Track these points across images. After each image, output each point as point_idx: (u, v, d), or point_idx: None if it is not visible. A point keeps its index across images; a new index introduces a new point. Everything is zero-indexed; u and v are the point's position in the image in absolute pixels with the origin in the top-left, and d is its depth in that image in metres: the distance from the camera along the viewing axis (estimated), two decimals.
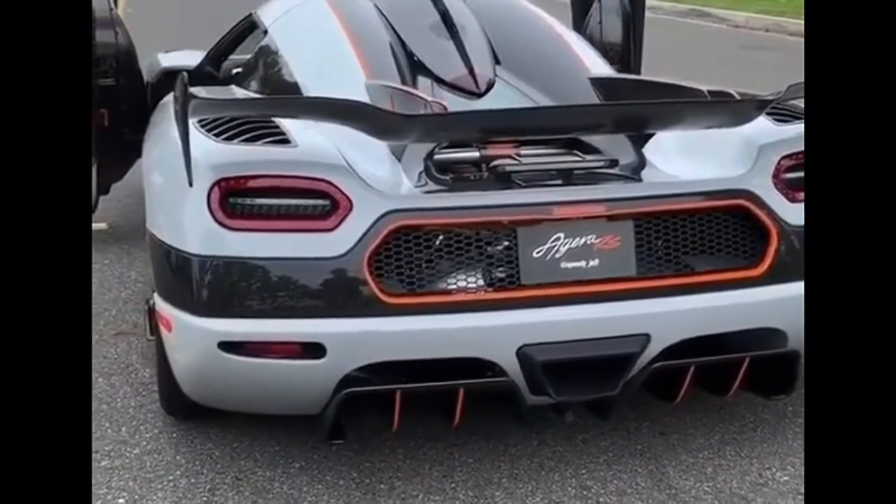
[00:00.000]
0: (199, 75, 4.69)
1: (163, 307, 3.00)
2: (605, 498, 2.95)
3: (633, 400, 3.12)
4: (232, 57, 4.80)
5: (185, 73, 2.66)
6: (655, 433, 3.30)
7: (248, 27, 4.64)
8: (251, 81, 4.17)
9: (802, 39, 12.15)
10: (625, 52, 4.85)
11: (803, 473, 3.06)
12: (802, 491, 2.98)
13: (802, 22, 12.90)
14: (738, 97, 3.21)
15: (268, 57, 4.09)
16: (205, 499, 2.95)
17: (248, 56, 4.36)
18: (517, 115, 3.11)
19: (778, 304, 3.08)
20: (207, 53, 4.94)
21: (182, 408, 3.27)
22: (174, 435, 3.28)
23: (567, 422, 3.09)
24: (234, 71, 4.58)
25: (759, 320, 3.09)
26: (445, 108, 3.28)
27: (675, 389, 3.08)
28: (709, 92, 3.36)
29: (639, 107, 3.09)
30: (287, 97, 3.51)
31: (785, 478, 3.06)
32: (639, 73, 4.88)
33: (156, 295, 3.08)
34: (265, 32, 4.21)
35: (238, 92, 4.19)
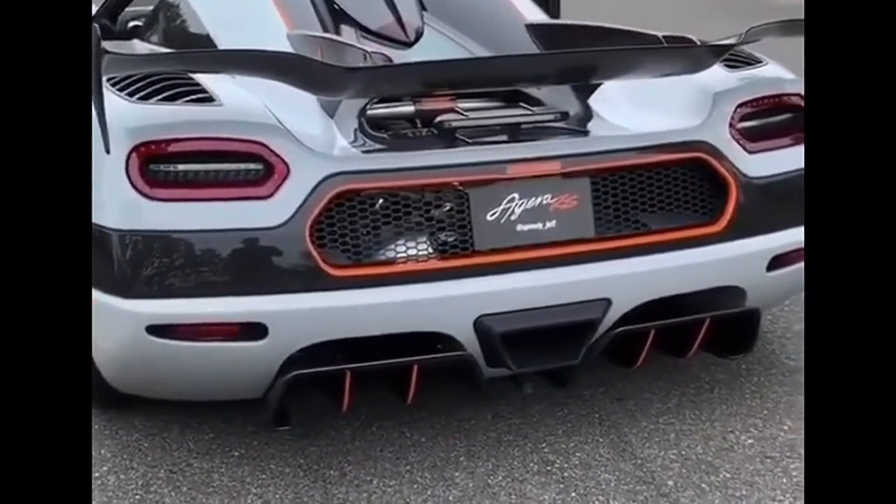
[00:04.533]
0: None
1: None
2: (569, 472, 2.78)
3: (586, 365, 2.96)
4: (129, 9, 4.44)
5: (97, 25, 2.35)
6: (612, 399, 3.15)
7: None
8: (154, 35, 3.85)
9: None
10: None
11: (767, 436, 2.96)
12: (769, 454, 2.87)
13: None
14: (697, 42, 3.03)
15: (172, 8, 3.77)
16: (138, 497, 2.68)
17: (150, 7, 4.03)
18: (473, 65, 2.87)
19: (737, 261, 2.96)
20: (102, 5, 4.56)
21: (104, 397, 2.97)
22: (97, 427, 2.98)
23: (525, 393, 2.92)
24: (132, 24, 4.25)
25: (720, 279, 2.96)
26: (389, 60, 3.03)
27: (634, 354, 2.94)
28: (664, 38, 3.17)
29: (597, 54, 2.89)
30: (215, 50, 3.20)
31: (749, 440, 2.94)
32: (558, 17, 4.70)
33: None
34: None
35: (141, 46, 3.87)
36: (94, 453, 2.85)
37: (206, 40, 3.41)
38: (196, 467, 2.81)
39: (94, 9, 4.36)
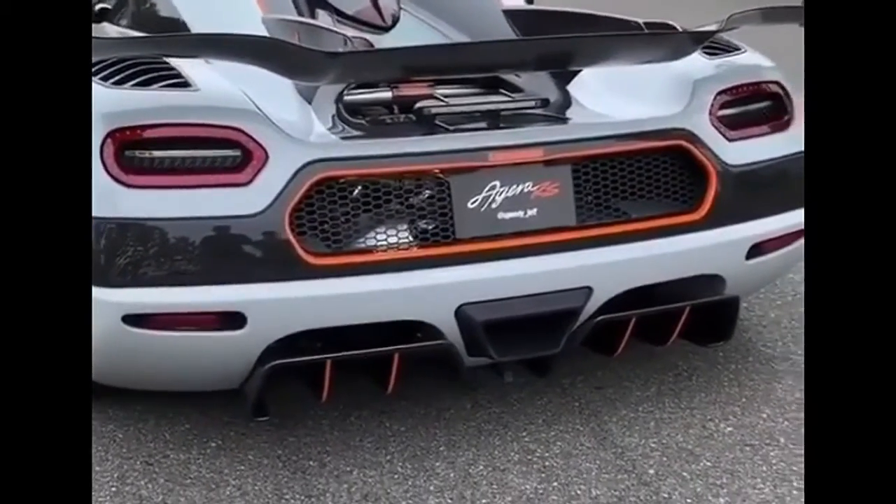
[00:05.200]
0: None
1: None
2: (550, 461, 2.77)
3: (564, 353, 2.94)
4: None
5: None
6: (591, 388, 3.13)
7: None
8: (124, 18, 3.78)
9: None
10: None
11: (746, 424, 2.96)
12: (748, 442, 2.86)
13: None
14: (678, 29, 3.01)
15: None
16: (114, 489, 2.64)
17: None
18: (457, 51, 2.83)
19: (717, 249, 2.95)
20: None
21: None
22: None
23: (506, 382, 2.90)
24: (101, 6, 4.16)
25: (699, 267, 2.95)
26: (370, 45, 2.99)
27: (614, 342, 2.93)
28: (645, 24, 3.15)
29: (577, 41, 2.85)
30: (192, 34, 3.13)
31: (729, 429, 2.94)
32: (532, 2, 4.67)
33: None
34: None
35: (111, 30, 3.79)
36: None
37: (178, 24, 3.34)
38: (173, 458, 2.76)
39: None
